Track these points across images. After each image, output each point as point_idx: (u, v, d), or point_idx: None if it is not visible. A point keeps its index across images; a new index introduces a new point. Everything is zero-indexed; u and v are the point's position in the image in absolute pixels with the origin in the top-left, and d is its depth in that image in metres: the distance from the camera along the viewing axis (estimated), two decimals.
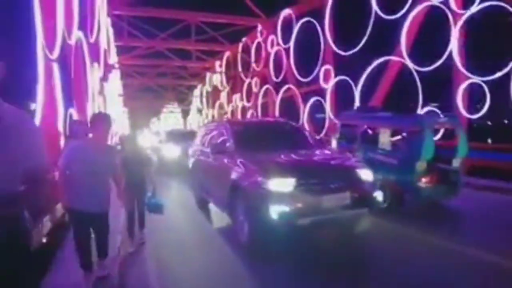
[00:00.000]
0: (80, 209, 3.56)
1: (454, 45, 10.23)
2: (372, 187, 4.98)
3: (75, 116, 8.06)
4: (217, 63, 31.79)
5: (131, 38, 23.98)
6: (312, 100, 17.61)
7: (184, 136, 13.33)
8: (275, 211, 4.28)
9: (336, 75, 16.18)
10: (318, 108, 17.86)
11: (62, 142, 6.68)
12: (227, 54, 29.34)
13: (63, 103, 6.68)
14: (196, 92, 41.21)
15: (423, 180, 6.21)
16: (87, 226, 3.71)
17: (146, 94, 43.98)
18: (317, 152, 5.89)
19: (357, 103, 14.57)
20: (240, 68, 26.75)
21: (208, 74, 35.67)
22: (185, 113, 50.31)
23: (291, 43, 19.02)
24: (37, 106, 5.63)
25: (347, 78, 15.05)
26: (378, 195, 4.95)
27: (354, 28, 16.33)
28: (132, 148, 5.23)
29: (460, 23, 10.08)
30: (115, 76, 25.80)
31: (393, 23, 13.28)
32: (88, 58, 9.89)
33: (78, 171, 3.49)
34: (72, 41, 7.97)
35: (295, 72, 18.74)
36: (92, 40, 11.26)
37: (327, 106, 16.33)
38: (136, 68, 32.24)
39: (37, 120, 5.39)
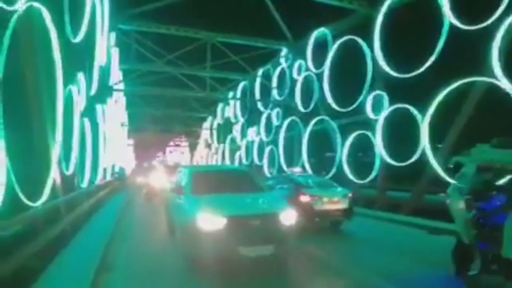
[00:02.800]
0: None
1: None
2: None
3: None
4: (230, 93, 28.91)
5: (139, 62, 21.33)
6: (354, 134, 14.21)
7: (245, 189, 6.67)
8: None
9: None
10: (361, 144, 14.42)
11: None
12: (242, 83, 26.58)
13: None
14: (206, 124, 38.27)
15: None
16: None
17: (153, 125, 41.01)
18: None
19: (425, 138, 11.10)
20: (258, 98, 23.80)
21: (220, 105, 32.85)
22: (192, 147, 47.25)
23: (326, 67, 15.99)
24: None
25: (410, 107, 11.67)
26: None
27: (412, 45, 13.36)
28: None
29: None
30: (119, 103, 22.85)
31: (469, 36, 10.28)
32: (58, 58, 6.65)
33: None
34: (16, 7, 4.77)
35: (330, 100, 15.54)
36: (77, 38, 8.16)
37: (378, 141, 12.86)
38: (143, 97, 29.38)
39: None
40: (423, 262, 6.27)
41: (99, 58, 12.60)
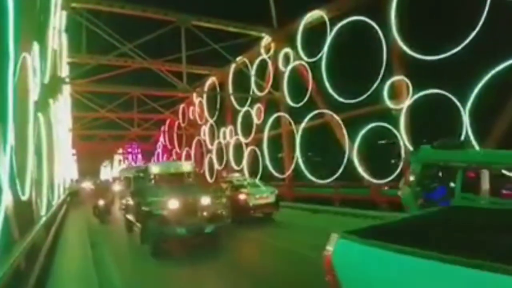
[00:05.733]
0: None
1: None
2: None
3: None
4: (195, 92, 25.90)
5: (92, 53, 17.76)
6: (368, 127, 12.34)
7: None
8: None
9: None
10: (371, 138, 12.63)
11: None
12: (211, 79, 23.84)
13: None
14: (165, 127, 34.68)
15: None
16: None
17: (100, 131, 36.13)
18: None
19: (467, 128, 9.57)
20: (231, 94, 21.24)
21: (182, 105, 29.68)
22: (148, 154, 43.03)
23: (324, 54, 14.04)
24: None
25: (446, 93, 10.04)
26: None
27: (441, 20, 11.87)
28: None
29: None
30: (65, 102, 18.88)
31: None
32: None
33: None
34: None
35: (332, 92, 13.59)
36: None
37: (402, 134, 11.11)
38: (92, 96, 25.18)
39: None
40: None
41: (52, 39, 9.34)
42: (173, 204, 7.46)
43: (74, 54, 17.26)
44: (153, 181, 8.80)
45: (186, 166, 9.81)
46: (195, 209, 7.69)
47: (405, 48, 11.16)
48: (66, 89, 19.20)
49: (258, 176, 18.31)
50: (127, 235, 10.09)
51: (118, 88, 21.71)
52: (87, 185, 33.19)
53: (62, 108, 15.63)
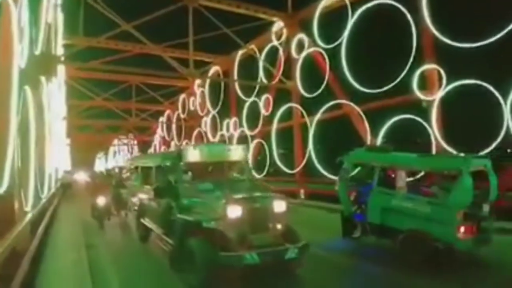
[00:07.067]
0: None
1: None
2: None
3: None
4: (197, 82, 24.78)
5: (87, 35, 16.46)
6: (392, 120, 11.27)
7: None
8: None
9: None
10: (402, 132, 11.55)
11: None
12: (214, 68, 22.64)
13: None
14: (163, 118, 33.37)
15: (462, 230, 5.30)
16: None
17: (97, 120, 34.72)
18: None
19: (508, 122, 8.58)
20: (236, 84, 20.09)
21: (182, 96, 28.43)
22: (145, 147, 41.69)
23: (343, 40, 12.92)
24: None
25: (485, 84, 9.00)
26: None
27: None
28: None
29: None
30: (59, 88, 17.58)
31: None
32: None
33: None
34: None
35: (352, 80, 12.50)
36: None
37: (434, 128, 10.06)
38: (88, 83, 23.88)
39: None
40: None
41: (46, 9, 8.14)
42: (234, 211, 4.77)
43: (70, 36, 15.97)
44: (189, 173, 6.22)
45: (236, 151, 6.54)
46: (266, 219, 5.02)
47: (437, 33, 10.12)
48: (61, 74, 17.94)
49: (265, 171, 17.40)
50: (140, 247, 7.66)
51: (116, 75, 20.46)
52: (82, 177, 31.78)
53: (56, 93, 14.39)
